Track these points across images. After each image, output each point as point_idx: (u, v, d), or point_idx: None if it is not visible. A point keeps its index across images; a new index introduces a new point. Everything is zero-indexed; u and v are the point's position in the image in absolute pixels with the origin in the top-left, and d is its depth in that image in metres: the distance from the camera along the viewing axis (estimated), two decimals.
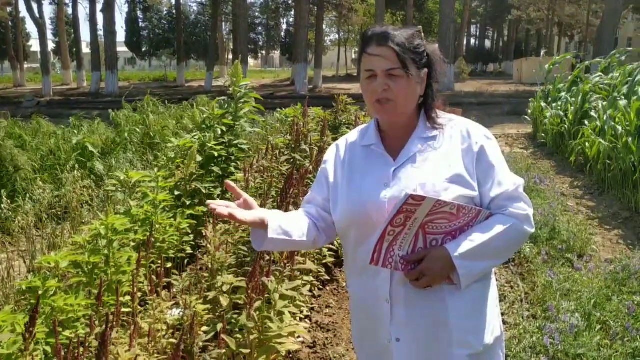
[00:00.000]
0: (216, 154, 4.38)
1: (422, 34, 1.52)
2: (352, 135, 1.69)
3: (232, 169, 4.62)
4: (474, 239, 1.43)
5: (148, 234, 3.09)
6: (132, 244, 3.26)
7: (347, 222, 1.55)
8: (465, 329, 1.48)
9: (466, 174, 1.46)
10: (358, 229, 1.53)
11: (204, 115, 4.92)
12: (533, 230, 1.53)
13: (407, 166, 1.50)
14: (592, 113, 8.37)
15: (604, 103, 8.09)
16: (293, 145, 5.37)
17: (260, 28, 56.72)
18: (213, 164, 4.46)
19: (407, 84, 1.46)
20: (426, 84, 1.53)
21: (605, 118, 7.54)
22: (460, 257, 1.41)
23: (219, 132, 4.58)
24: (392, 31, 1.47)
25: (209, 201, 1.46)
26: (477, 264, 1.44)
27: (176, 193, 4.24)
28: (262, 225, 1.49)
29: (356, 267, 1.59)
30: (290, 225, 1.54)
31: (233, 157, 4.64)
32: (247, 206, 1.51)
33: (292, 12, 43.71)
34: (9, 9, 35.24)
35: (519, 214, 1.48)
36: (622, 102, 7.31)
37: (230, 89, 4.63)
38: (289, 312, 2.73)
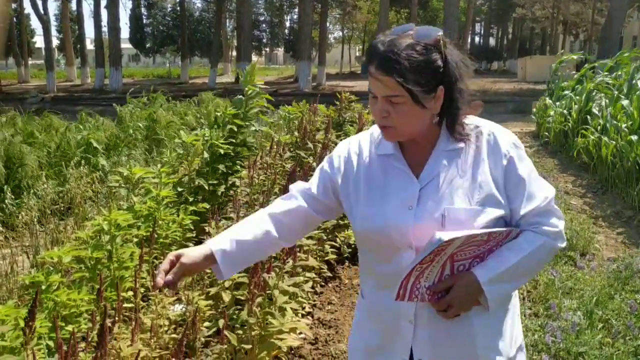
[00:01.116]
0: (222, 152, 4.38)
1: (442, 42, 1.31)
2: (365, 139, 1.52)
3: (238, 167, 4.63)
4: (504, 262, 1.34)
5: (151, 229, 3.10)
6: (135, 239, 3.27)
7: (366, 241, 1.47)
8: (491, 348, 1.41)
9: (497, 193, 1.35)
10: (378, 250, 1.44)
11: (218, 113, 4.94)
12: (564, 245, 1.43)
13: (432, 187, 1.37)
14: (595, 111, 8.36)
15: (607, 101, 8.08)
16: (299, 143, 5.39)
17: (264, 25, 56.69)
18: (221, 161, 4.47)
19: (411, 109, 1.31)
20: (446, 99, 1.35)
21: (607, 116, 7.53)
22: (489, 282, 1.33)
23: (229, 130, 4.60)
24: (398, 49, 1.27)
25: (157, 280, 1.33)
26: (506, 287, 1.37)
27: (179, 189, 4.25)
28: (212, 261, 1.40)
29: (376, 283, 1.49)
30: (243, 254, 1.44)
31: (239, 155, 4.64)
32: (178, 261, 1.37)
33: (296, 9, 43.65)
34: (13, 6, 35.32)
35: (550, 231, 1.38)
36: (625, 102, 7.28)
37: (246, 88, 4.64)
38: (291, 308, 2.73)
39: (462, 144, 1.39)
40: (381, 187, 1.43)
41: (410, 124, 1.34)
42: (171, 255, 1.36)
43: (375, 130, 1.52)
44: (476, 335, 1.39)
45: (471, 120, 1.42)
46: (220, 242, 1.42)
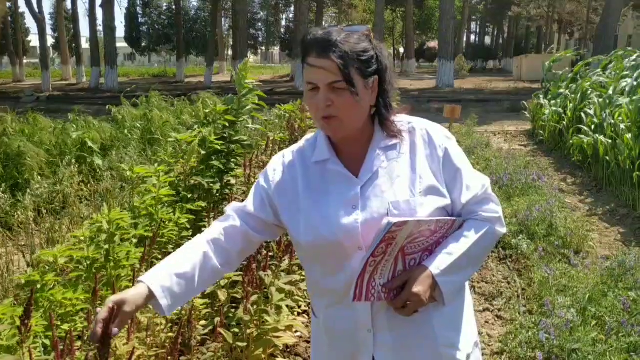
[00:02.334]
0: (218, 147, 4.38)
1: (371, 35, 1.37)
2: (299, 150, 1.51)
3: (233, 165, 4.63)
4: (453, 252, 1.36)
5: (149, 229, 3.11)
6: (134, 240, 3.27)
7: (314, 252, 1.42)
8: (451, 344, 1.42)
9: (437, 183, 1.38)
10: (328, 259, 1.40)
11: (207, 110, 4.93)
12: (505, 230, 1.46)
13: (373, 183, 1.37)
14: (589, 110, 8.39)
15: (600, 100, 8.11)
16: (289, 142, 5.43)
17: (260, 24, 56.69)
18: (214, 159, 4.47)
19: (354, 97, 1.32)
20: (379, 91, 1.38)
21: (604, 115, 7.56)
22: (442, 274, 1.33)
23: (221, 128, 4.59)
24: (335, 37, 1.30)
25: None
26: (458, 277, 1.38)
27: (177, 188, 4.25)
28: (152, 297, 1.32)
29: (328, 298, 1.45)
30: (182, 289, 1.37)
31: (234, 153, 4.64)
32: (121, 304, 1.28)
33: (292, 8, 43.66)
34: (8, 4, 35.19)
35: (491, 218, 1.41)
36: (622, 100, 7.31)
37: (239, 86, 4.64)
38: (287, 306, 2.75)
39: (396, 140, 1.41)
40: (322, 194, 1.41)
41: (354, 114, 1.34)
42: (110, 303, 1.25)
43: (307, 140, 1.51)
44: (437, 332, 1.40)
45: (403, 118, 1.45)
46: (157, 277, 1.35)
